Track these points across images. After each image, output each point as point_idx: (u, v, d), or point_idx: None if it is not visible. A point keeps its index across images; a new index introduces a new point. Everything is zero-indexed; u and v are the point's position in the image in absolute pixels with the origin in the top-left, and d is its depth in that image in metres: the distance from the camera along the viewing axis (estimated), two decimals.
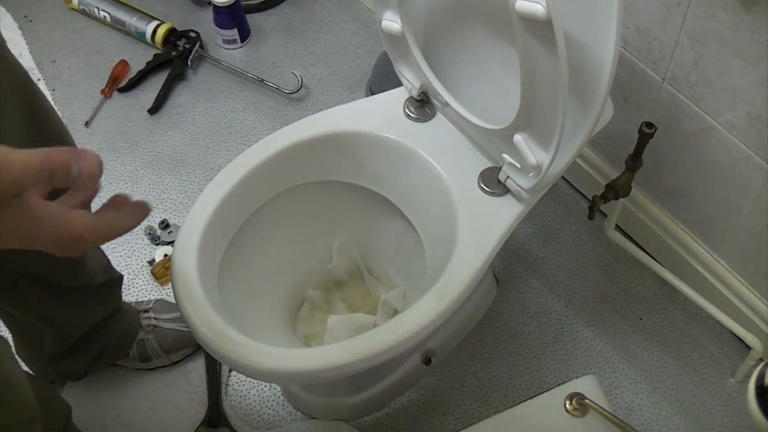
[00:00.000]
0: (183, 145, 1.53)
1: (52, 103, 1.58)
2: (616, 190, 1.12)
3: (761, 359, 1.18)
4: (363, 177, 1.04)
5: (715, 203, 1.13)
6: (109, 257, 1.10)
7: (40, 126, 0.82)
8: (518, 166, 0.88)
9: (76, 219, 0.49)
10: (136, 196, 0.56)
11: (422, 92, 1.00)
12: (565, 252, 1.36)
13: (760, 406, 0.56)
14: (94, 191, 0.53)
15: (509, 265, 1.34)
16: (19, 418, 0.69)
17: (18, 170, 0.44)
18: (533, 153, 0.83)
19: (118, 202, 0.55)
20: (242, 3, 1.68)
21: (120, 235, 0.52)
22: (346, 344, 0.82)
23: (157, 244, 1.38)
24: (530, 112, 0.79)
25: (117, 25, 1.71)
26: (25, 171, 0.44)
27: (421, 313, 0.83)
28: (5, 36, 0.79)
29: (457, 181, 0.94)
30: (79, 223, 0.49)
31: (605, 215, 1.28)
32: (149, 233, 1.38)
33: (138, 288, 1.33)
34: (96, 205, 0.57)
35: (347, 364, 0.80)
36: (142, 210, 0.54)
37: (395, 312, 1.11)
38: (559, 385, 0.98)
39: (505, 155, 0.89)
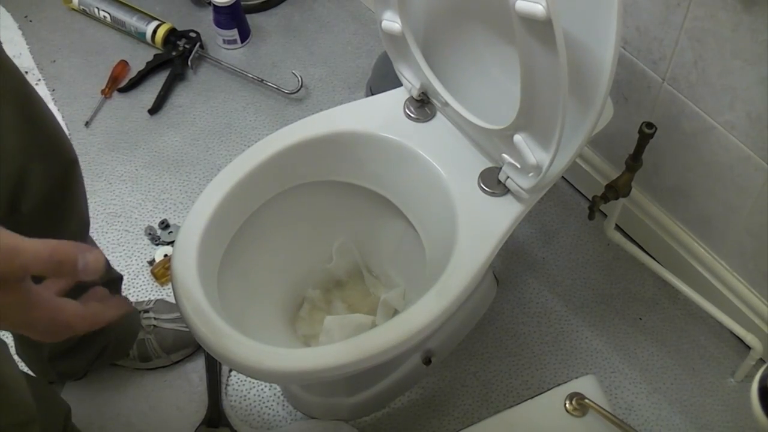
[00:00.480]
0: (183, 145, 1.53)
1: (53, 103, 1.59)
2: (616, 190, 1.12)
3: (761, 359, 1.18)
4: (363, 177, 1.04)
5: (715, 203, 1.13)
6: (109, 257, 1.10)
7: (36, 128, 0.81)
8: (518, 166, 0.88)
9: (67, 307, 0.51)
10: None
11: (422, 92, 1.00)
12: (565, 252, 1.36)
13: (763, 407, 0.56)
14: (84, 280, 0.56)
15: (509, 265, 1.34)
16: (17, 419, 0.69)
17: (27, 257, 0.46)
18: (533, 153, 0.83)
19: (99, 294, 0.58)
20: (242, 3, 1.68)
21: (103, 325, 0.55)
22: (346, 344, 0.82)
23: (157, 244, 1.38)
24: (530, 112, 0.79)
25: (117, 25, 1.71)
26: (34, 259, 0.46)
27: (421, 313, 0.83)
28: (3, 36, 0.79)
29: (457, 181, 0.94)
30: (70, 312, 0.52)
31: (605, 215, 1.28)
32: (149, 233, 1.38)
33: (138, 288, 1.33)
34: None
35: (347, 364, 0.80)
36: (124, 303, 0.58)
37: (395, 312, 1.11)
38: (559, 385, 0.98)
39: (505, 155, 0.89)
